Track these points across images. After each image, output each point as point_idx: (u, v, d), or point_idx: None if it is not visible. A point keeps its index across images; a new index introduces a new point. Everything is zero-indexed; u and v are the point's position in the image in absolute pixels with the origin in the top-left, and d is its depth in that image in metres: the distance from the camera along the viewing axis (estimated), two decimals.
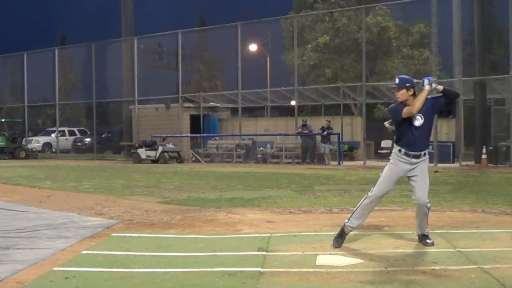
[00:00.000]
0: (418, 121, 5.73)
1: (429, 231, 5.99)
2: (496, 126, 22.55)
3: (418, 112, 5.71)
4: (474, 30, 21.92)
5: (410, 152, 5.75)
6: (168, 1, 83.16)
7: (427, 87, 5.76)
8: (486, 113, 22.02)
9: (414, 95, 5.79)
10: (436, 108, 5.88)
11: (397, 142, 5.88)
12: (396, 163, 5.82)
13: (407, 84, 5.78)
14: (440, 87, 5.81)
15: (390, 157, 5.96)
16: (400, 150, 5.81)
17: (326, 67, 28.13)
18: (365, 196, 5.91)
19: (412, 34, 27.75)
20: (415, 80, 5.94)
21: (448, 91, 5.91)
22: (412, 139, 5.75)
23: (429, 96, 5.82)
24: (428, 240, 5.89)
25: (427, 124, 5.80)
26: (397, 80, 5.87)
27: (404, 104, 5.79)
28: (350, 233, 6.00)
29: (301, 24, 27.60)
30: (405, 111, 5.71)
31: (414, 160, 5.76)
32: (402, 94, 5.79)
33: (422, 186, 5.76)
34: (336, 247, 5.80)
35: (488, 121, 22.23)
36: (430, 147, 20.79)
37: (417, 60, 26.70)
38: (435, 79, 6.04)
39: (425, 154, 5.84)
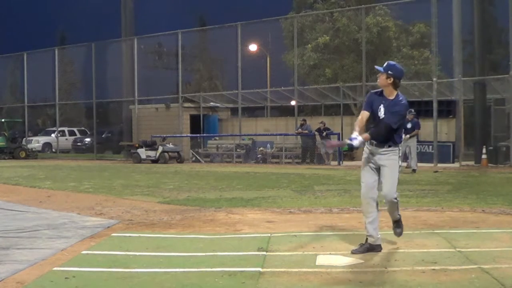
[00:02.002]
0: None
1: (399, 217, 5.92)
2: (496, 126, 22.57)
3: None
4: (474, 30, 21.92)
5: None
6: (168, 1, 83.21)
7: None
8: (486, 113, 22.02)
9: (395, 86, 5.62)
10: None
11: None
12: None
13: (389, 72, 5.61)
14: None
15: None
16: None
17: (326, 67, 28.14)
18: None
19: (412, 34, 27.76)
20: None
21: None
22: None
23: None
24: (397, 229, 5.90)
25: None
26: (384, 64, 5.71)
27: (377, 93, 5.72)
28: (350, 232, 5.98)
29: (301, 24, 27.61)
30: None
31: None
32: (381, 79, 5.66)
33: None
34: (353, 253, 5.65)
35: (488, 121, 22.24)
36: (430, 147, 20.85)
37: (417, 60, 26.72)
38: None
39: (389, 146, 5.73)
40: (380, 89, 5.77)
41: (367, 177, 5.71)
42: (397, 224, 5.96)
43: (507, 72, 20.14)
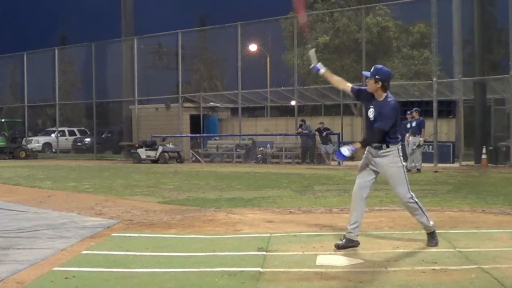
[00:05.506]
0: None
1: (434, 228, 5.88)
2: (496, 126, 22.56)
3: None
4: (474, 30, 21.92)
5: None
6: (168, 1, 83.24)
7: None
8: (486, 113, 22.03)
9: (384, 88, 5.73)
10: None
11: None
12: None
13: (377, 76, 5.71)
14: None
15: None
16: None
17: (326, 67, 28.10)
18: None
19: (412, 34, 27.76)
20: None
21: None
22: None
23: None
24: (433, 240, 5.82)
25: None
26: (372, 69, 5.81)
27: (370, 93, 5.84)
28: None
29: None
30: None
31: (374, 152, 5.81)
32: (370, 84, 5.77)
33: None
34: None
35: (488, 121, 22.24)
36: (430, 147, 20.85)
37: (417, 60, 26.72)
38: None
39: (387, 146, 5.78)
40: None
41: (362, 176, 5.83)
42: (432, 236, 5.84)
43: (507, 72, 20.12)
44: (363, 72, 5.87)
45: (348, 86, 6.10)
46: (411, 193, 5.80)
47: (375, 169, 5.79)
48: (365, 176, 5.81)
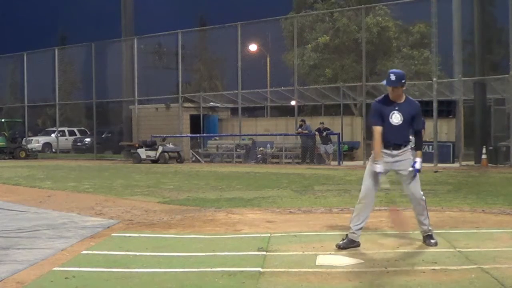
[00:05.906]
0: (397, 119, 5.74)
1: (432, 230, 5.96)
2: (496, 126, 22.56)
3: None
4: (474, 30, 21.93)
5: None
6: (168, 1, 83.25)
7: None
8: (486, 113, 22.03)
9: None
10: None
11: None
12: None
13: (403, 81, 5.70)
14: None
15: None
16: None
17: (326, 67, 28.16)
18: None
19: (412, 34, 27.80)
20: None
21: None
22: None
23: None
24: (431, 240, 5.86)
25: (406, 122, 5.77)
26: (393, 77, 5.63)
27: (382, 101, 5.79)
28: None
29: (301, 24, 27.63)
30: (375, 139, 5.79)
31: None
32: (398, 92, 5.69)
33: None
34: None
35: (488, 121, 22.24)
36: (430, 147, 20.84)
37: (417, 60, 26.75)
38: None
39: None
40: (382, 96, 5.88)
41: (371, 180, 5.81)
42: (430, 237, 5.89)
43: (507, 72, 20.13)
44: (383, 83, 5.72)
45: (378, 131, 5.78)
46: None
47: (387, 171, 5.83)
48: (374, 179, 5.81)
